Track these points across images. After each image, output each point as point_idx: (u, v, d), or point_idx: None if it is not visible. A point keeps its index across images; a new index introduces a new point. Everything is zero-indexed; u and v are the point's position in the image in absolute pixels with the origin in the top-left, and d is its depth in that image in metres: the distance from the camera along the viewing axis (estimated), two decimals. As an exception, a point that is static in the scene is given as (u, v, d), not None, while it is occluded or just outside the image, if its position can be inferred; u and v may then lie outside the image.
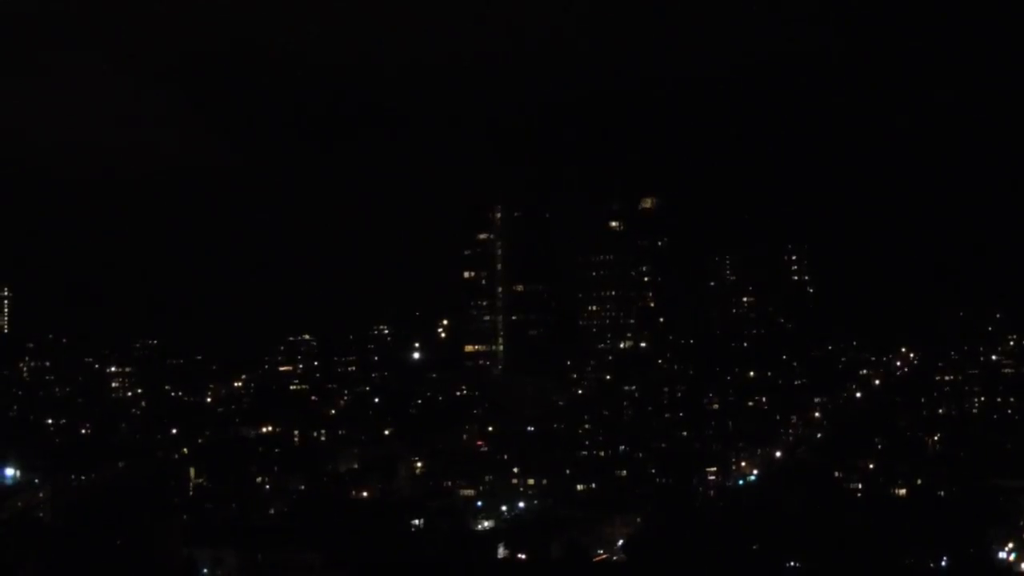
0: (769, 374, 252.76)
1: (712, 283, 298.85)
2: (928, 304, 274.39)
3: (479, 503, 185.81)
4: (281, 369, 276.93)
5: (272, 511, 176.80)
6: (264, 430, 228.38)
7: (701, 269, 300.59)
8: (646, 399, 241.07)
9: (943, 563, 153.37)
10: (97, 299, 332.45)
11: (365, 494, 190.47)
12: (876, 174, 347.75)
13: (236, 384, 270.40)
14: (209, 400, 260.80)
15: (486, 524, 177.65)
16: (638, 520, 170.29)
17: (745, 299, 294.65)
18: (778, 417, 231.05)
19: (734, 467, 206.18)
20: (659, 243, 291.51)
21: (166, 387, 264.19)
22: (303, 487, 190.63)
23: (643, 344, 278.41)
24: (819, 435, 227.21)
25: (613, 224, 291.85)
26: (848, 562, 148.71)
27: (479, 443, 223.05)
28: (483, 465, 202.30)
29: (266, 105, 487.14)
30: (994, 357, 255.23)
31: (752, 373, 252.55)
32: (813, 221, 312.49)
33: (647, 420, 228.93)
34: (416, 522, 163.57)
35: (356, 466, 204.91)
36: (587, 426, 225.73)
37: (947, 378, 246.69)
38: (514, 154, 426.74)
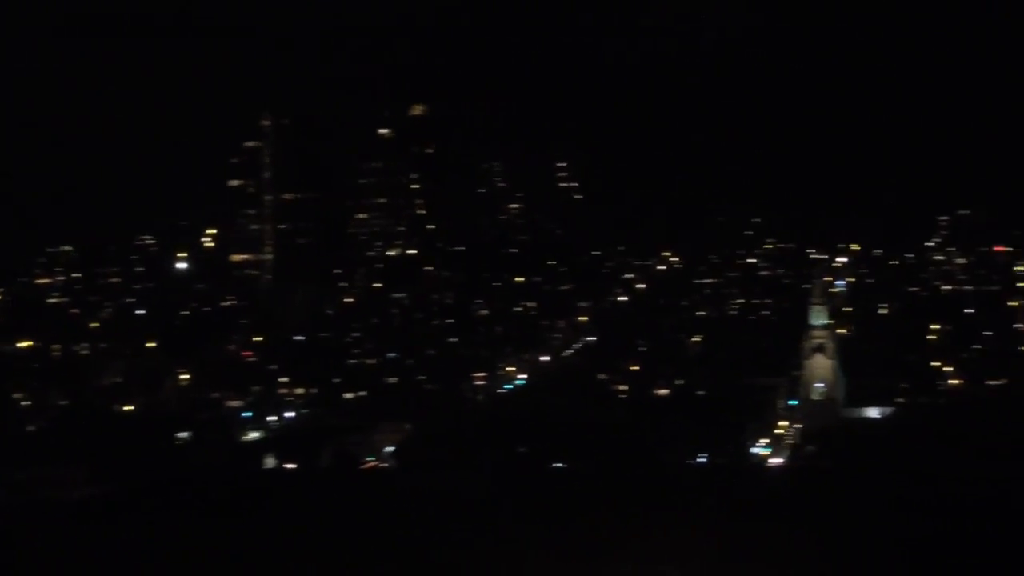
0: (537, 280, 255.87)
1: (481, 190, 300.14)
2: (690, 208, 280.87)
3: (247, 414, 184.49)
4: (40, 282, 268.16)
5: (32, 427, 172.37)
6: (22, 345, 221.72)
7: (470, 176, 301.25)
8: (415, 306, 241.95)
9: (703, 459, 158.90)
10: None
11: (130, 408, 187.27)
12: (641, 78, 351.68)
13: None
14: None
15: (254, 435, 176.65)
16: (407, 427, 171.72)
17: (514, 205, 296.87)
18: (545, 322, 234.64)
19: (502, 372, 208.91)
20: (429, 150, 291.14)
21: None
22: (65, 402, 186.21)
23: (412, 251, 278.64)
24: (585, 339, 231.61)
25: (383, 131, 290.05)
26: (612, 461, 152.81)
27: (246, 353, 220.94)
28: (250, 375, 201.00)
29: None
30: (752, 260, 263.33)
31: (520, 279, 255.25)
32: (580, 126, 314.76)
33: (416, 327, 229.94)
34: (183, 434, 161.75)
35: (120, 379, 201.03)
36: (356, 334, 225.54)
37: (707, 281, 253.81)
38: (283, 61, 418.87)
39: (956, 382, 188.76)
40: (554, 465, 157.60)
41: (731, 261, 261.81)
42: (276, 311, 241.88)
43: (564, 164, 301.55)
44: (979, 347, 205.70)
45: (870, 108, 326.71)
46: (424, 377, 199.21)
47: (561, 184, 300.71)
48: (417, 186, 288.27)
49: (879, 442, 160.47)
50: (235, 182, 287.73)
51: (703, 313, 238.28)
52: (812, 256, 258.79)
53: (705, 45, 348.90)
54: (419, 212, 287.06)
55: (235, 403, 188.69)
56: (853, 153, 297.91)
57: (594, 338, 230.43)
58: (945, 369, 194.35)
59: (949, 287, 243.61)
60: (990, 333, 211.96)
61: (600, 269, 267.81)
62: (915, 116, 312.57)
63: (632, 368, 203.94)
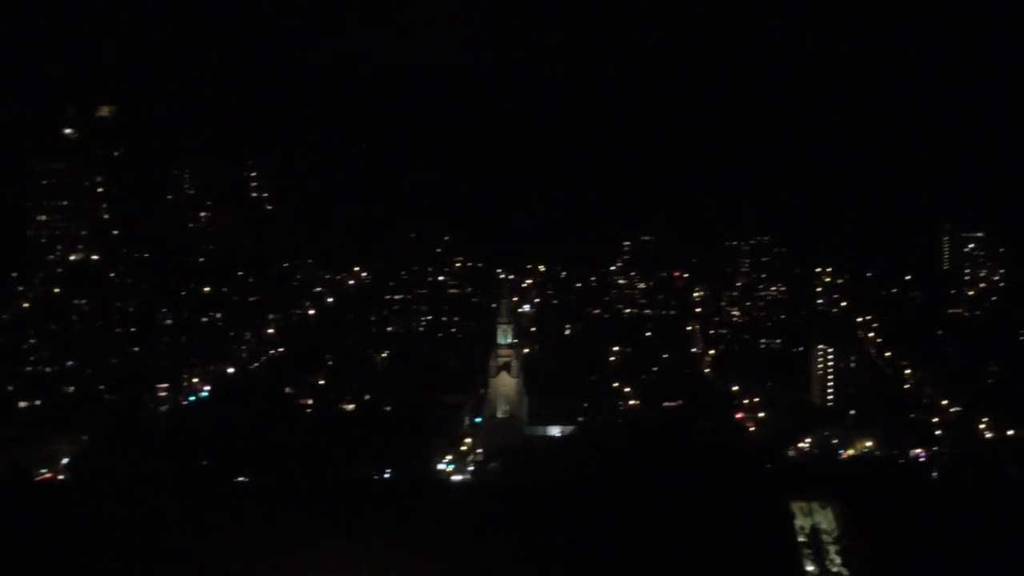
0: (224, 290, 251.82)
1: (169, 196, 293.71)
2: (381, 224, 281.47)
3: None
4: None
5: None
6: None
7: (158, 181, 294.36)
8: (97, 314, 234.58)
9: (387, 474, 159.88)
10: None
11: None
12: (338, 92, 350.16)
13: None
14: None
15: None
16: (84, 438, 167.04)
17: (203, 213, 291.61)
18: (232, 334, 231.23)
19: (186, 383, 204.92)
20: (115, 153, 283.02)
21: None
22: None
23: (95, 257, 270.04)
24: (272, 351, 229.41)
25: (67, 131, 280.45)
26: (296, 475, 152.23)
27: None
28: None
29: None
30: (441, 278, 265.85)
31: (207, 289, 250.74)
32: (272, 135, 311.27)
33: (97, 335, 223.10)
34: None
35: None
36: (33, 340, 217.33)
37: (397, 297, 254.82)
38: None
39: (634, 402, 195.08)
40: (237, 479, 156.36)
41: (420, 277, 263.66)
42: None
43: (255, 174, 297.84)
44: (657, 369, 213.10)
45: (557, 135, 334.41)
46: (104, 387, 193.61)
47: (252, 194, 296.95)
48: (102, 189, 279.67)
49: (559, 459, 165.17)
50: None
51: (391, 328, 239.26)
52: (500, 276, 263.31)
53: (407, 65, 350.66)
54: (103, 216, 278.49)
55: None
56: (542, 176, 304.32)
57: (281, 351, 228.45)
58: (625, 390, 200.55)
59: (630, 310, 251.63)
60: (667, 356, 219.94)
61: (289, 281, 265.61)
62: (600, 143, 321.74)
63: (319, 382, 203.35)
